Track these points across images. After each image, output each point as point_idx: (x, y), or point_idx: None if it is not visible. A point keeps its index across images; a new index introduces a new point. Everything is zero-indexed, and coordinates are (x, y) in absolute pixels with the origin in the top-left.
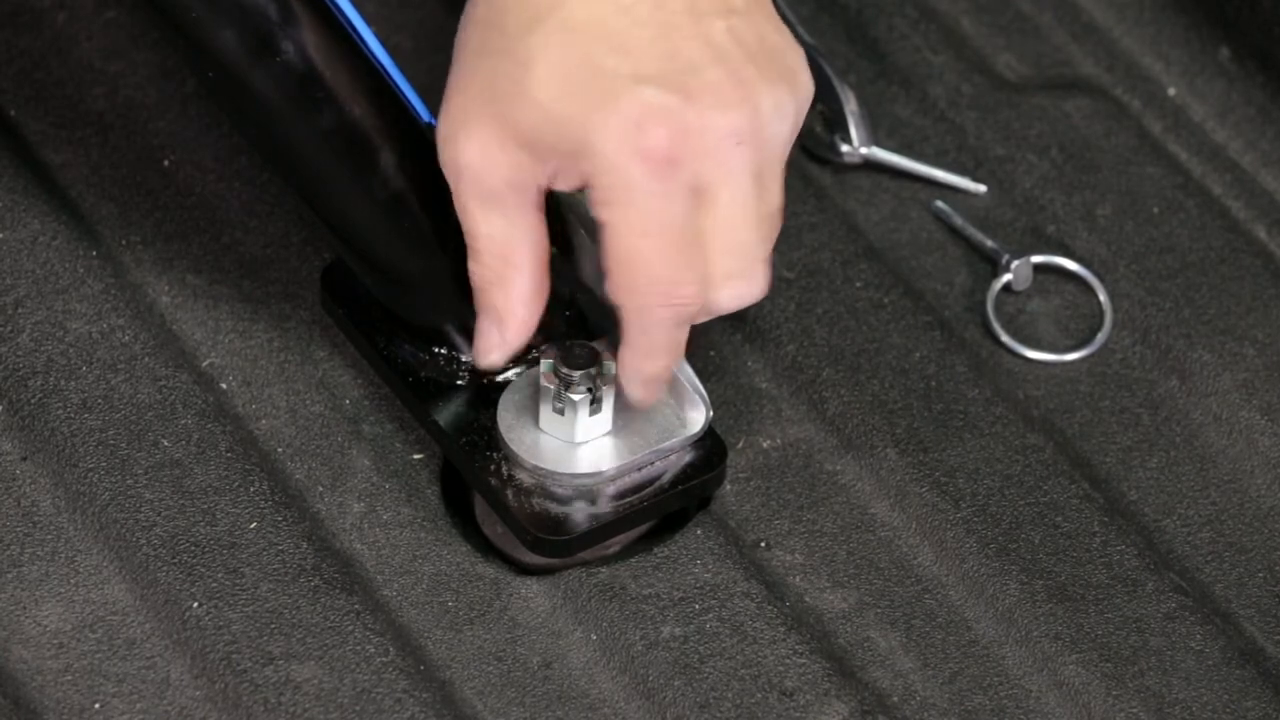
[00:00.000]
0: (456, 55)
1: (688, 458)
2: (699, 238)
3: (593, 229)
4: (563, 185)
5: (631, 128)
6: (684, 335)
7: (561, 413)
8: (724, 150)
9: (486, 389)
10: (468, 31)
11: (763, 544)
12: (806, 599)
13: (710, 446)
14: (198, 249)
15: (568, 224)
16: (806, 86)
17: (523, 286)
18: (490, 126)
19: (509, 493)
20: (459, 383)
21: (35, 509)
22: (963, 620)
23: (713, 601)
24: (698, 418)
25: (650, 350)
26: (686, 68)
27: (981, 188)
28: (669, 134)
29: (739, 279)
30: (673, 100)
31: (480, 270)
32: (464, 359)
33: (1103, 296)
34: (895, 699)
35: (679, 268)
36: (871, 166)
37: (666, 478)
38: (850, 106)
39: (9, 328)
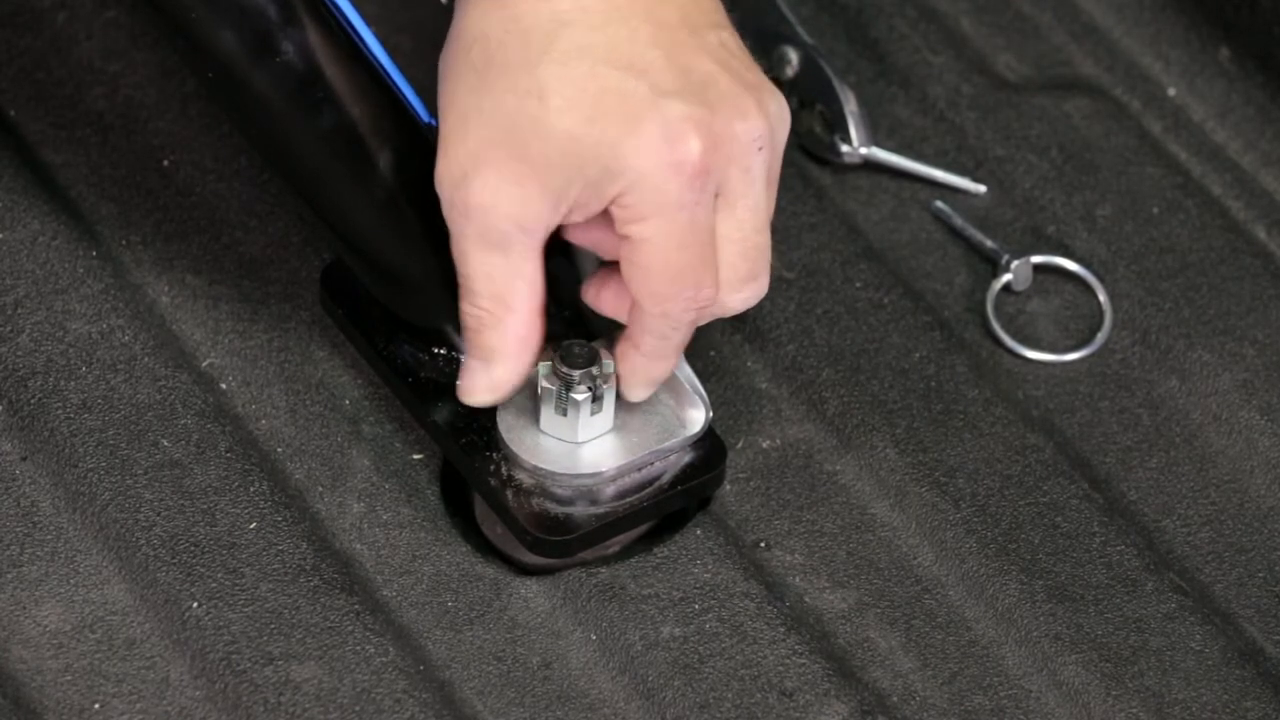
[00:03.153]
0: (445, 103)
1: (687, 458)
2: (716, 241)
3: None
4: (579, 216)
5: (663, 143)
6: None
7: (563, 413)
8: (749, 157)
9: None
10: (455, 77)
11: (762, 544)
12: (806, 599)
13: (710, 447)
14: (198, 249)
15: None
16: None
17: (517, 328)
18: (506, 165)
19: (508, 493)
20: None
21: (35, 509)
22: (962, 620)
23: (712, 602)
24: (697, 418)
25: (663, 353)
26: (702, 81)
27: (981, 188)
28: (702, 145)
29: (752, 281)
30: (700, 111)
31: (473, 310)
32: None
33: (1102, 296)
34: (895, 699)
35: (703, 272)
36: (871, 167)
37: (666, 478)
38: (850, 106)
39: (9, 328)
